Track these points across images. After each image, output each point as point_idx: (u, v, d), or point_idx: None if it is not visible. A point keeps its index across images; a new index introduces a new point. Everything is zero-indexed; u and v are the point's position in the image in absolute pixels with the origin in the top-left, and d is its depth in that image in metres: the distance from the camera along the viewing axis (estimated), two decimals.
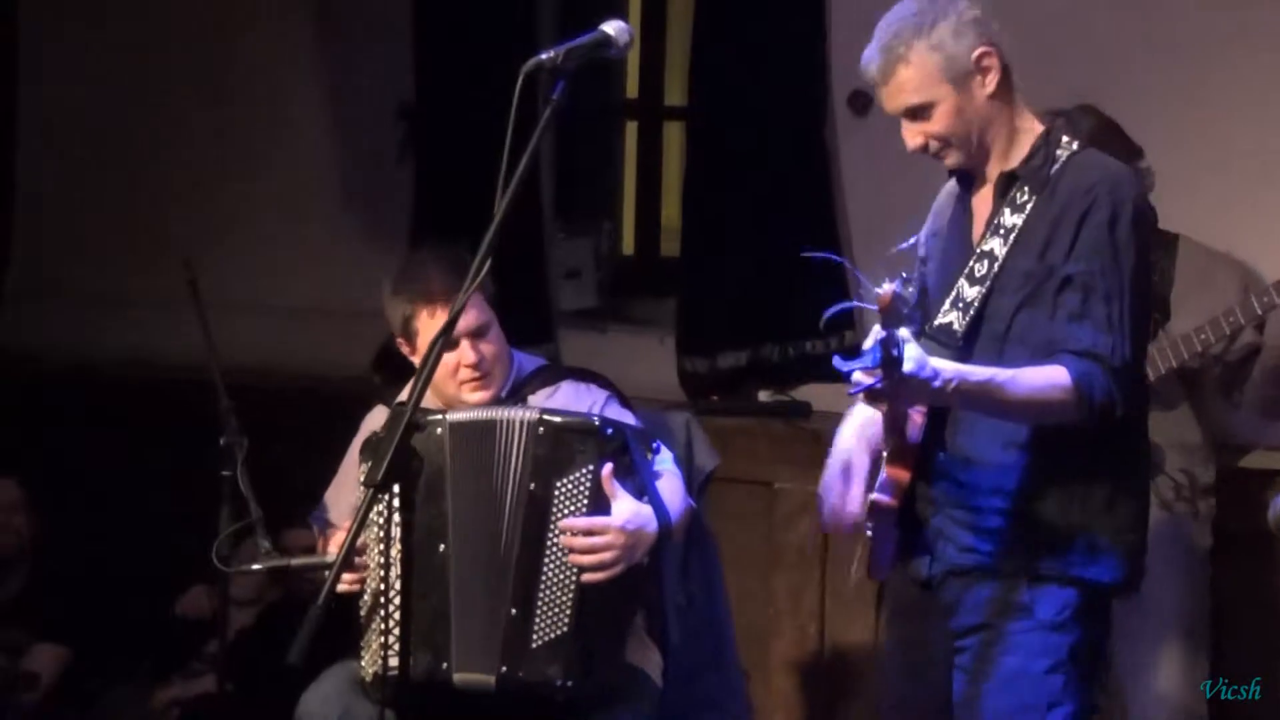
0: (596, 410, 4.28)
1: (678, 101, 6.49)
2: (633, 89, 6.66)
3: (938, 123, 3.57)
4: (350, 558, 3.60)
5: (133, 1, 7.02)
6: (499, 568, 3.99)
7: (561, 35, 6.05)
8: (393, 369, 6.18)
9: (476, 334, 4.26)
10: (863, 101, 5.80)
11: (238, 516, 4.52)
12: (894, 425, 3.59)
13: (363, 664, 4.04)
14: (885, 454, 3.64)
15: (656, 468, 4.20)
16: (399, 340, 4.39)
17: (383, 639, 3.85)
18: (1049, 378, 3.46)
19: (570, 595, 3.95)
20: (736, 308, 5.94)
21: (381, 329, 6.30)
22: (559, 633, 3.94)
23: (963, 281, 3.61)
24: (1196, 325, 4.60)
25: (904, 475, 3.62)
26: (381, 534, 3.86)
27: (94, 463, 6.61)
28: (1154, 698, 4.76)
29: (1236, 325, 4.63)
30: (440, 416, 4.10)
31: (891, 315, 3.27)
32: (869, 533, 3.67)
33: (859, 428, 3.76)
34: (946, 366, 3.41)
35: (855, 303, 3.48)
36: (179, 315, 5.03)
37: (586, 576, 3.94)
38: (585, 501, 3.98)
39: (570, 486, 4.00)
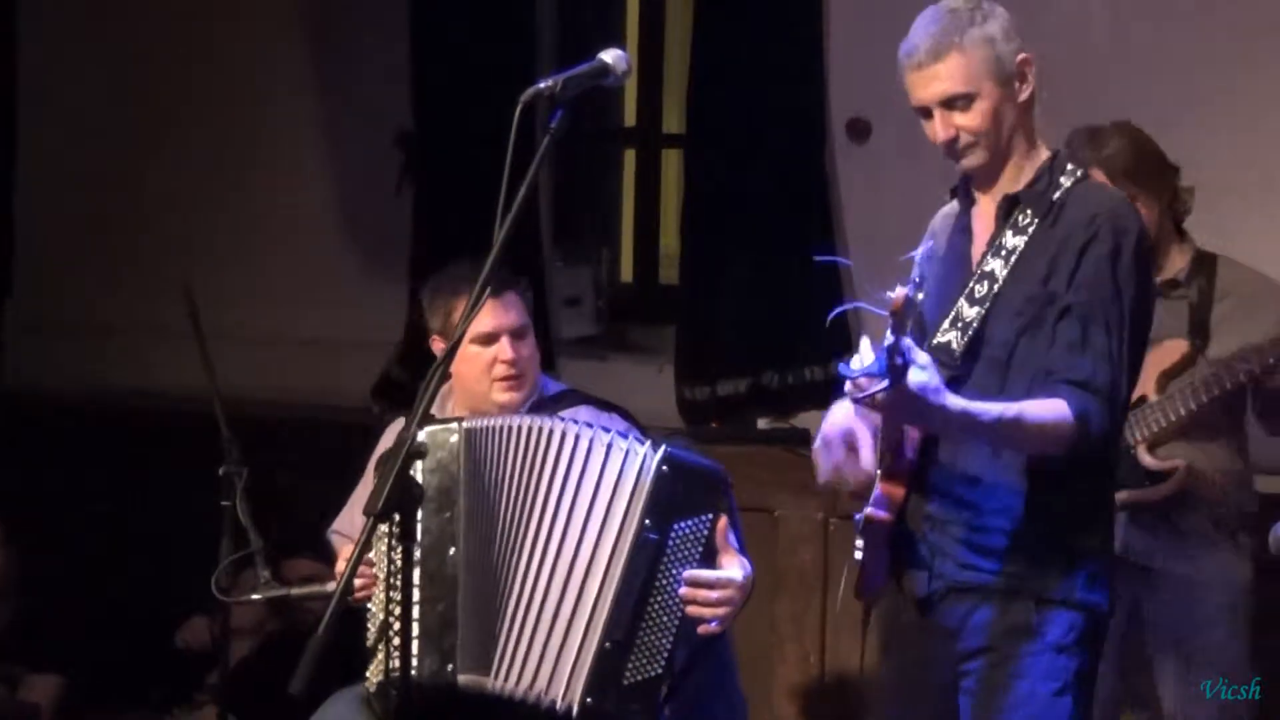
0: None
1: (676, 129, 6.51)
2: (631, 117, 6.67)
3: (975, 117, 3.56)
4: (350, 588, 3.59)
5: (132, 33, 7.05)
6: (574, 588, 3.91)
7: (560, 64, 6.09)
8: (392, 398, 6.22)
9: (517, 334, 4.28)
10: (861, 128, 5.81)
11: (238, 546, 4.52)
12: (890, 439, 3.58)
13: (368, 675, 4.02)
14: (879, 470, 3.63)
15: None
16: (434, 339, 4.36)
17: (388, 645, 3.80)
18: (1053, 413, 3.45)
19: (669, 639, 3.90)
20: (736, 335, 5.94)
21: (381, 358, 6.36)
22: (652, 674, 3.90)
23: (962, 301, 3.61)
24: (1240, 351, 4.48)
25: (898, 491, 3.61)
26: (389, 555, 3.84)
27: (94, 493, 6.60)
28: None
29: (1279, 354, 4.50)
30: (456, 422, 4.03)
31: (902, 320, 3.23)
32: (858, 553, 3.66)
33: (845, 408, 3.71)
34: (954, 400, 3.38)
35: (861, 303, 3.45)
36: (178, 345, 5.03)
37: (703, 629, 3.90)
38: (700, 550, 3.93)
39: (688, 532, 3.94)
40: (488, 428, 3.99)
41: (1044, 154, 3.65)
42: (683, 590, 3.91)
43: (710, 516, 3.94)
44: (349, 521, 4.41)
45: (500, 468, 3.98)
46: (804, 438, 5.84)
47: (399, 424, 4.32)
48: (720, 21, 6.04)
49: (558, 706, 3.88)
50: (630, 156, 6.74)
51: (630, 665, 3.89)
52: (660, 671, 3.90)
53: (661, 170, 6.65)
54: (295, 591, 4.39)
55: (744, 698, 4.67)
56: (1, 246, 7.17)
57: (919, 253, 3.76)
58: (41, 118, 7.14)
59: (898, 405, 3.35)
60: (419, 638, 3.86)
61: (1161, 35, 5.47)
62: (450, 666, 3.90)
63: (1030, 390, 3.50)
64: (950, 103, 3.56)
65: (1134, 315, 3.54)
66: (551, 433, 3.97)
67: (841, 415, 3.74)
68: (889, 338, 3.24)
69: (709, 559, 3.94)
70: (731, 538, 3.99)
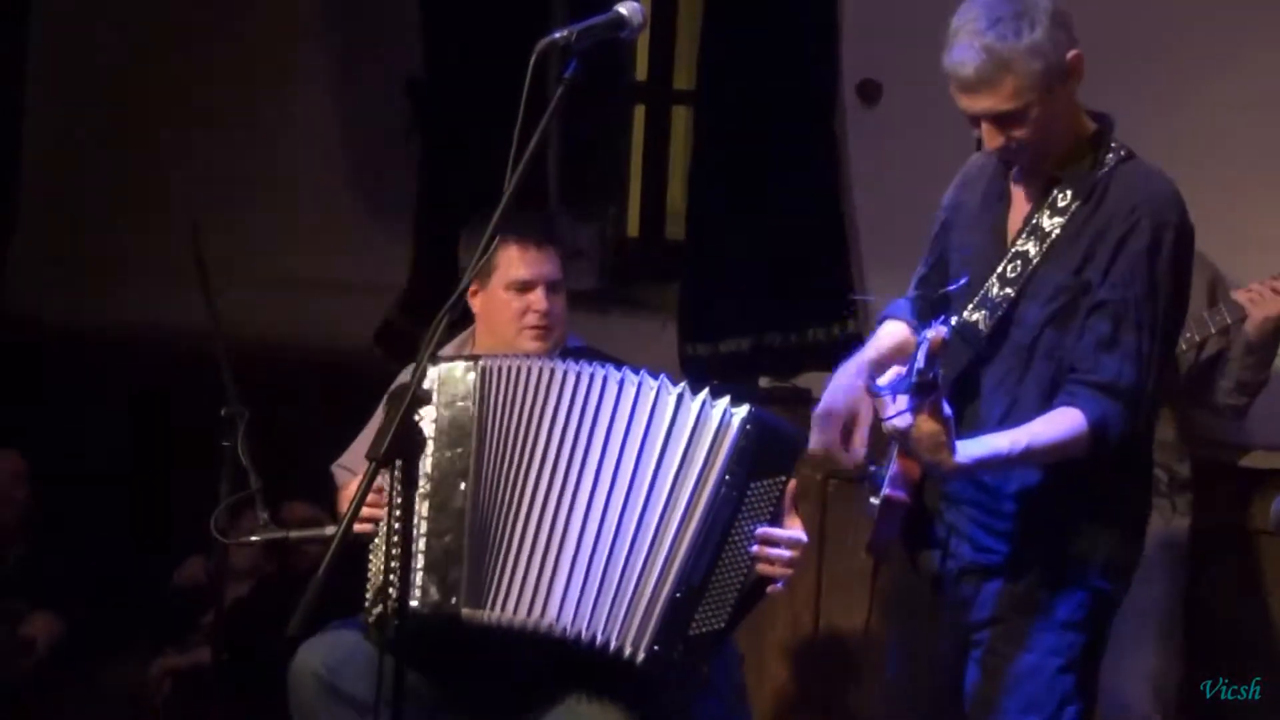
0: None
1: (686, 86, 6.49)
2: (642, 72, 6.66)
3: (1029, 128, 3.47)
4: (350, 531, 3.59)
5: None
6: (630, 530, 3.92)
7: (574, 13, 6.07)
8: (395, 343, 6.22)
9: (553, 287, 4.32)
10: (872, 91, 5.80)
11: (237, 488, 4.51)
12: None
13: (366, 604, 4.02)
14: (898, 448, 3.61)
15: None
16: (472, 287, 4.30)
17: (389, 576, 3.79)
18: (1066, 429, 3.44)
19: (735, 594, 3.93)
20: (740, 293, 5.94)
21: (384, 303, 6.37)
22: (716, 627, 3.92)
23: (994, 280, 3.57)
24: None
25: (916, 470, 3.60)
26: (390, 498, 3.84)
27: (94, 430, 6.62)
28: (1131, 695, 4.74)
29: (1205, 334, 4.59)
30: (475, 360, 4.03)
31: (938, 357, 3.25)
32: (873, 502, 3.66)
33: (854, 375, 3.73)
34: (963, 455, 3.38)
35: (871, 297, 3.47)
36: (182, 284, 5.03)
37: (771, 588, 3.95)
38: (771, 510, 3.96)
39: (764, 491, 3.96)
40: (505, 367, 4.01)
41: (1089, 128, 3.57)
42: (755, 548, 3.93)
43: (784, 479, 3.98)
44: (357, 457, 4.41)
45: (523, 407, 3.98)
46: (805, 398, 5.83)
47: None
48: None
49: (624, 653, 3.88)
50: (640, 112, 6.72)
51: (698, 617, 3.91)
52: (723, 625, 3.93)
53: (671, 127, 6.64)
54: (294, 534, 4.39)
55: (738, 651, 4.68)
56: (9, 184, 7.18)
57: (944, 199, 3.73)
58: (53, 57, 7.14)
59: (926, 441, 3.36)
60: (422, 570, 3.87)
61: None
62: (454, 599, 3.91)
63: (1054, 380, 3.48)
64: (1001, 119, 3.48)
65: (1168, 313, 3.50)
66: (593, 378, 3.99)
67: (844, 391, 3.73)
68: (920, 363, 3.24)
69: (777, 519, 3.97)
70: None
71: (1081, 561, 3.58)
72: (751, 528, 3.93)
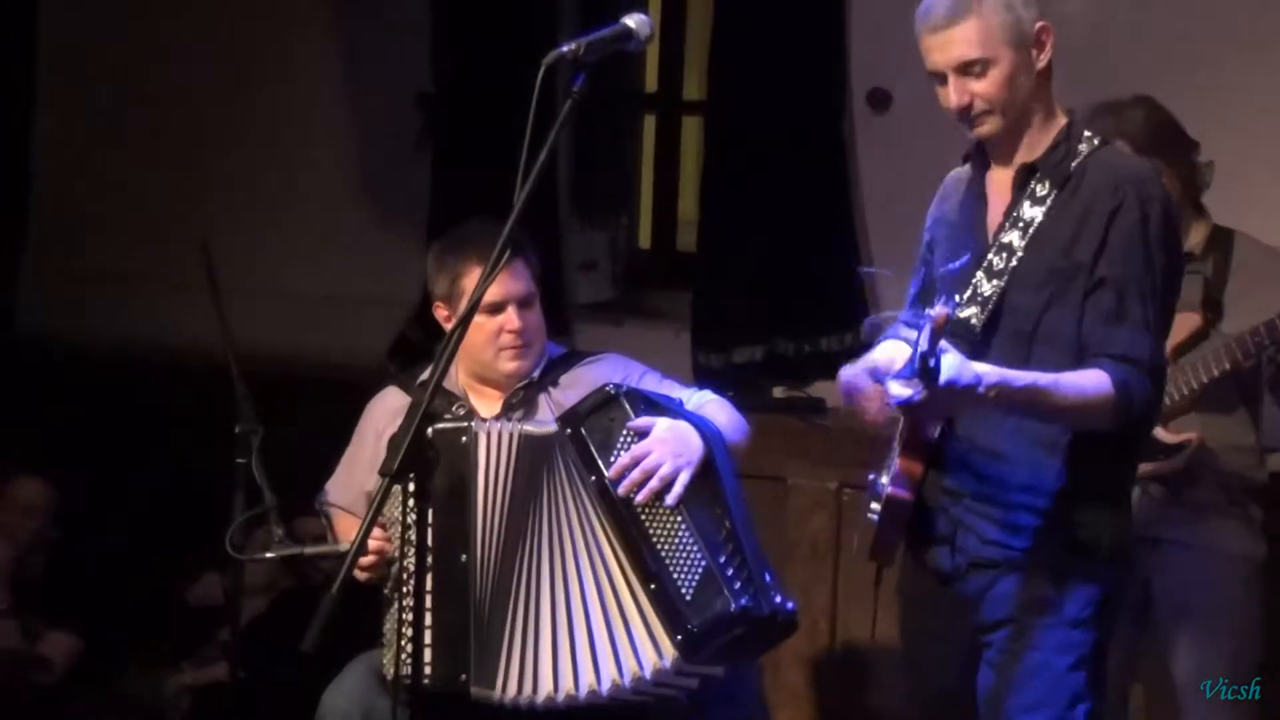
0: (635, 379, 4.30)
1: (696, 96, 6.51)
2: (651, 83, 6.67)
3: (990, 83, 3.52)
4: (364, 547, 3.60)
5: None
6: (596, 575, 4.00)
7: (582, 25, 6.08)
8: (408, 358, 6.22)
9: (524, 303, 4.29)
10: (881, 98, 5.80)
11: (252, 504, 4.52)
12: (915, 423, 3.58)
13: (384, 661, 4.05)
14: (899, 445, 3.63)
15: (691, 404, 4.24)
16: (437, 305, 4.37)
17: (402, 643, 3.82)
18: (1094, 383, 3.44)
19: (687, 535, 3.94)
20: (753, 303, 5.94)
21: (398, 317, 6.37)
22: (700, 572, 3.92)
23: (980, 275, 3.59)
24: (1251, 326, 4.48)
25: (918, 468, 3.61)
26: (401, 523, 3.85)
27: (107, 448, 6.63)
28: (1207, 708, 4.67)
29: None
30: (469, 425, 4.10)
31: (938, 335, 3.25)
32: (871, 514, 3.67)
33: (858, 369, 3.72)
34: (989, 371, 3.38)
35: (881, 270, 3.46)
36: (194, 301, 5.03)
37: (670, 499, 3.95)
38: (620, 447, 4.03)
39: (619, 456, 4.01)
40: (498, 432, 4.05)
41: (1061, 121, 3.61)
42: (621, 489, 3.96)
43: (626, 433, 4.00)
44: (343, 487, 4.43)
45: (506, 470, 4.04)
46: (819, 407, 5.85)
47: (393, 393, 4.36)
48: None
49: (666, 666, 3.91)
50: (650, 123, 6.73)
51: (681, 583, 3.92)
52: (705, 565, 3.92)
53: (681, 137, 6.66)
54: (308, 550, 4.39)
55: (757, 663, 4.69)
56: (19, 198, 7.19)
57: (927, 218, 3.75)
58: (61, 73, 7.15)
59: (932, 404, 3.35)
60: (431, 645, 3.91)
61: (1178, 9, 5.45)
62: (463, 677, 3.96)
63: (1059, 364, 3.48)
64: (966, 68, 3.52)
65: (1165, 282, 3.52)
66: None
67: (854, 376, 3.71)
68: (923, 344, 3.25)
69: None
70: (665, 395, 4.12)
71: (1088, 553, 3.58)
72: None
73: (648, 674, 3.93)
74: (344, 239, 6.79)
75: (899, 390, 3.33)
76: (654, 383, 4.35)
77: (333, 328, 6.60)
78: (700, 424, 4.07)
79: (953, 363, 3.31)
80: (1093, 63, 4.86)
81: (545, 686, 3.96)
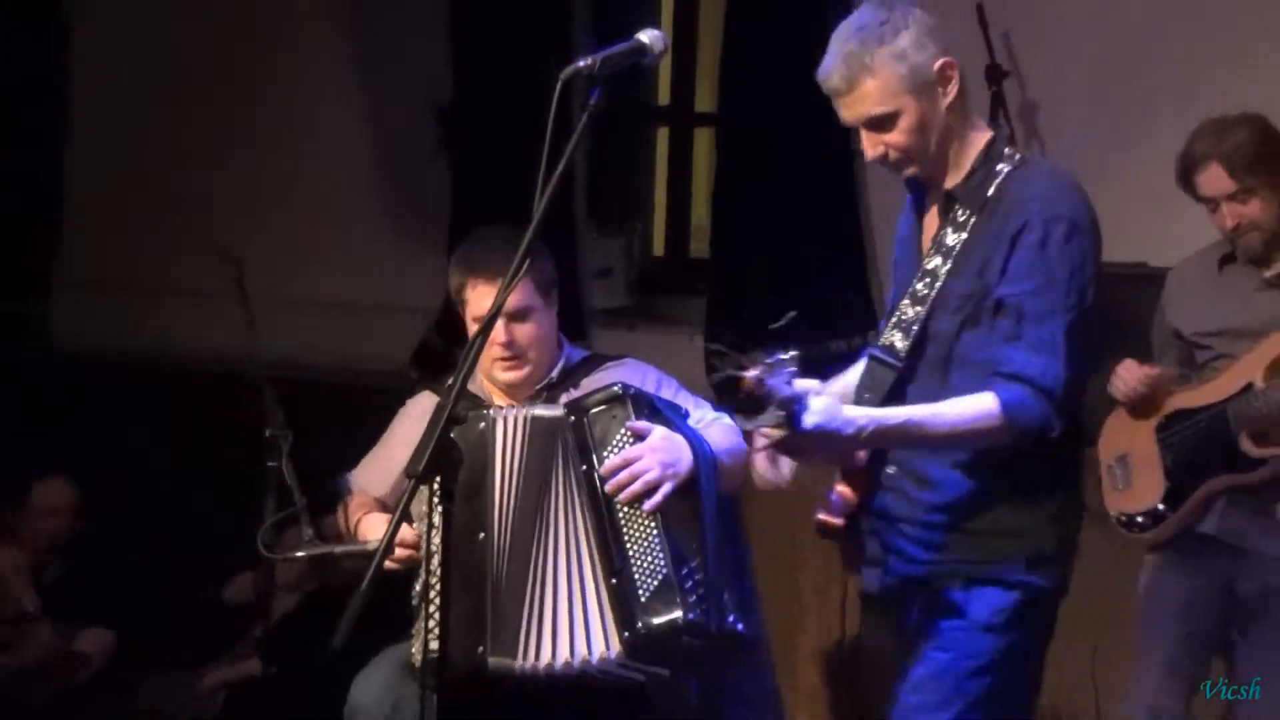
0: (650, 384, 4.35)
1: (708, 108, 6.58)
2: (664, 96, 6.75)
3: (900, 134, 3.50)
4: (392, 546, 3.67)
5: (178, 4, 7.13)
6: (577, 555, 4.05)
7: (595, 37, 6.16)
8: (431, 365, 6.29)
9: (516, 316, 4.31)
10: None
11: (282, 505, 4.60)
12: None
13: (412, 651, 4.14)
14: (838, 471, 3.64)
15: (695, 420, 4.26)
16: (458, 304, 4.44)
17: (426, 625, 3.90)
18: (974, 409, 3.43)
19: (657, 541, 3.97)
20: (763, 309, 6.00)
21: (419, 324, 6.43)
22: (661, 577, 3.94)
23: (905, 301, 3.59)
24: None
25: (852, 494, 3.63)
26: (428, 520, 3.94)
27: (143, 452, 6.68)
28: None
29: None
30: (486, 411, 4.17)
31: (762, 386, 3.28)
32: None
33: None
34: (859, 414, 3.40)
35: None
36: (220, 308, 5.10)
37: (648, 504, 3.99)
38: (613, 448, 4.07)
39: (613, 452, 4.06)
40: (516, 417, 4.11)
41: (981, 140, 3.58)
42: (608, 487, 4.00)
43: (624, 432, 4.05)
44: (368, 475, 4.50)
45: (520, 451, 4.10)
46: None
47: (427, 397, 4.42)
48: (753, 3, 6.09)
49: (611, 658, 3.97)
50: (663, 134, 6.80)
51: (639, 584, 3.94)
52: (666, 571, 3.94)
53: (693, 148, 6.73)
54: (338, 549, 4.42)
55: (770, 660, 4.73)
56: (50, 211, 7.26)
57: (896, 233, 3.76)
58: (93, 86, 7.21)
59: (807, 445, 3.38)
60: (453, 624, 3.90)
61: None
62: (481, 649, 4.01)
63: (976, 388, 3.46)
64: (874, 124, 3.51)
65: (1068, 299, 3.45)
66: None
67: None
68: (779, 391, 3.27)
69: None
70: (674, 409, 4.15)
71: (1004, 559, 3.54)
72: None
73: (595, 660, 3.98)
74: (365, 247, 6.84)
75: (768, 433, 3.37)
76: (670, 392, 4.39)
77: (354, 334, 6.66)
78: (696, 440, 4.11)
79: (821, 406, 3.33)
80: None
81: (546, 654, 4.03)
